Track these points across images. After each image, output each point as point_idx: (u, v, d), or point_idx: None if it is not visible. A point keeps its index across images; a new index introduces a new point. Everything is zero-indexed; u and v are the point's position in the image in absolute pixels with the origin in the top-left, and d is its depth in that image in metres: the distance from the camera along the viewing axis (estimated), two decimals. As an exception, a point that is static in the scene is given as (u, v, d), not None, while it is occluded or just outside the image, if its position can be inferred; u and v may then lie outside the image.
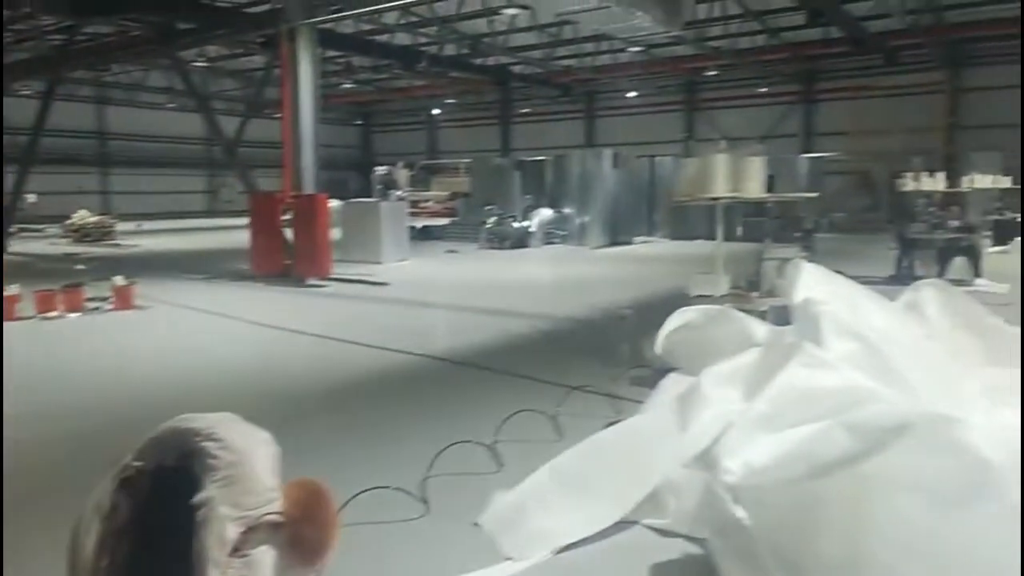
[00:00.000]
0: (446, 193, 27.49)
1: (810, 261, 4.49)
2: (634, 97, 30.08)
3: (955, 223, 11.23)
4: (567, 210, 19.55)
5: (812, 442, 2.50)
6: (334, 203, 13.47)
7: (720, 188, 6.07)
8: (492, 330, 7.97)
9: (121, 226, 21.07)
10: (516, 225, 18.59)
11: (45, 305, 8.53)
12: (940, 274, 10.58)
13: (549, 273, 13.88)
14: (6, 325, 7.52)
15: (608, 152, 20.05)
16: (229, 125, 14.69)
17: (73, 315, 8.61)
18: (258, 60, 22.22)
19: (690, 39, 19.82)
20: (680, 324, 4.84)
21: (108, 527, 1.45)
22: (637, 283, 11.58)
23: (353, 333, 7.71)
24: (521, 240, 18.23)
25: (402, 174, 24.92)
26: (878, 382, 2.78)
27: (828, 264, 4.35)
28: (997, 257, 13.33)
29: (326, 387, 5.84)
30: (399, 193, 21.66)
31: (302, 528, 1.50)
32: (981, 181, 15.11)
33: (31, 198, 22.05)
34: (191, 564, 1.36)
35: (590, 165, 19.45)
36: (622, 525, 3.26)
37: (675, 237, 19.89)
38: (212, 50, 23.22)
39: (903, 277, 10.24)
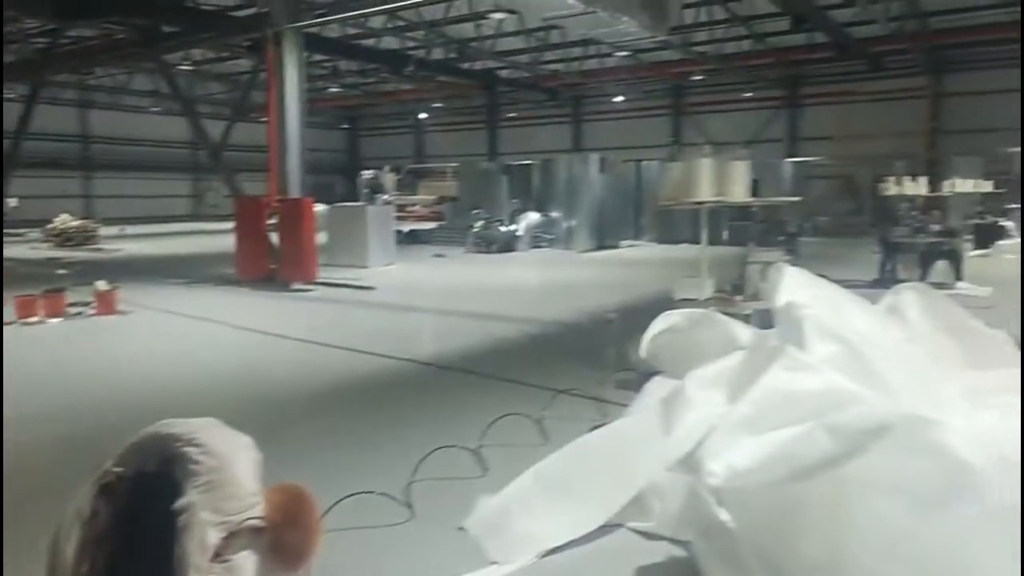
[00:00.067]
0: (433, 197, 27.50)
1: (794, 265, 4.53)
2: (621, 101, 30.23)
3: (937, 227, 11.36)
4: (554, 214, 19.60)
5: (794, 444, 2.52)
6: (320, 207, 13.43)
7: (704, 192, 6.11)
8: (478, 334, 7.97)
9: (104, 230, 20.88)
10: (503, 229, 18.61)
11: (26, 310, 8.43)
12: (922, 277, 10.69)
13: (536, 277, 13.91)
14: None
15: (595, 156, 20.13)
16: (215, 129, 14.65)
17: (55, 320, 8.52)
18: (244, 64, 22.16)
19: (676, 44, 19.98)
20: (665, 328, 4.86)
21: (88, 533, 1.44)
22: (623, 287, 11.61)
23: (338, 338, 7.69)
24: (508, 244, 18.24)
25: (389, 178, 24.88)
26: (860, 384, 2.80)
27: (812, 268, 4.39)
28: (978, 261, 13.50)
29: (310, 392, 5.81)
30: (386, 197, 21.60)
31: (284, 533, 1.49)
32: (962, 185, 15.29)
33: (12, 202, 21.82)
34: (172, 570, 1.35)
35: (577, 169, 19.52)
36: (607, 528, 3.26)
37: (661, 241, 19.97)
38: (197, 53, 23.13)
39: (886, 280, 10.33)
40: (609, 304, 9.40)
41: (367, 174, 25.04)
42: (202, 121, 15.65)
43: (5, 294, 8.67)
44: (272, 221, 12.00)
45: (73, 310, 8.88)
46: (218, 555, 1.38)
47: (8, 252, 17.07)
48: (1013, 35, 19.72)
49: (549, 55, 24.13)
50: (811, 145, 27.15)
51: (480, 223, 18.60)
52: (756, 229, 14.48)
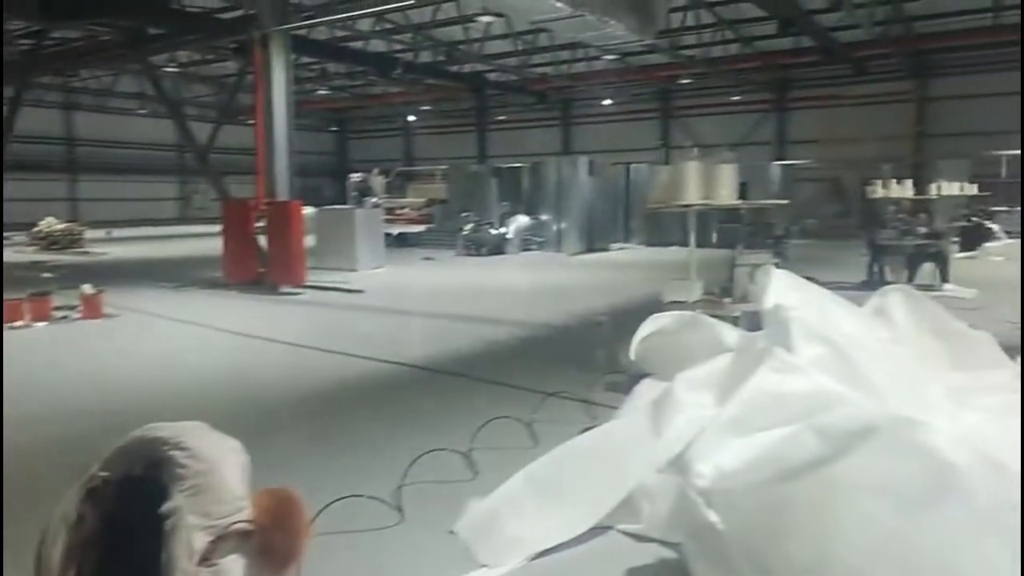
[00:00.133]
0: (422, 200, 27.46)
1: (781, 267, 4.56)
2: (610, 105, 30.34)
3: (923, 230, 11.45)
4: (544, 217, 19.63)
5: (781, 446, 2.54)
6: (308, 210, 13.38)
7: (692, 196, 6.13)
8: (468, 337, 7.96)
9: (90, 233, 20.73)
10: (493, 232, 18.62)
11: (11, 314, 8.35)
12: (909, 279, 10.79)
13: (526, 280, 13.91)
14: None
15: (584, 159, 20.18)
16: (201, 131, 14.55)
17: (40, 324, 8.45)
18: (231, 66, 22.07)
19: (664, 47, 20.07)
20: (653, 330, 4.88)
21: (75, 537, 1.43)
22: (613, 289, 11.64)
23: (327, 341, 7.66)
24: (498, 247, 18.25)
25: (378, 181, 24.85)
26: (846, 386, 2.82)
27: (801, 270, 4.42)
28: (964, 263, 13.63)
29: (299, 395, 5.79)
30: (374, 200, 21.58)
31: (272, 536, 1.49)
32: (948, 188, 15.43)
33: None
34: (159, 574, 1.34)
35: (566, 172, 19.56)
36: (597, 530, 3.26)
37: (651, 243, 20.04)
38: (184, 55, 23.02)
39: (874, 283, 10.41)
40: (599, 307, 9.43)
41: (356, 177, 25.01)
42: (189, 123, 15.55)
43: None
44: (260, 224, 11.95)
45: (59, 314, 8.81)
46: (205, 559, 1.38)
47: (-8, 255, 16.92)
48: (996, 39, 19.98)
49: (537, 58, 24.19)
50: (799, 148, 27.35)
51: (469, 226, 18.60)
52: (744, 232, 14.55)
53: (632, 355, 5.00)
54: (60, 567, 1.41)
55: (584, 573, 3.07)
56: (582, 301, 10.22)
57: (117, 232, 24.09)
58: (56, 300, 8.99)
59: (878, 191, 12.71)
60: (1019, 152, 22.12)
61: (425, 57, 23.55)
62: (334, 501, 3.36)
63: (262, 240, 11.92)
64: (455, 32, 21.09)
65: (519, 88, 27.70)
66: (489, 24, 19.81)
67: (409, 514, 3.49)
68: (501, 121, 35.11)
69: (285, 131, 11.86)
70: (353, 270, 13.88)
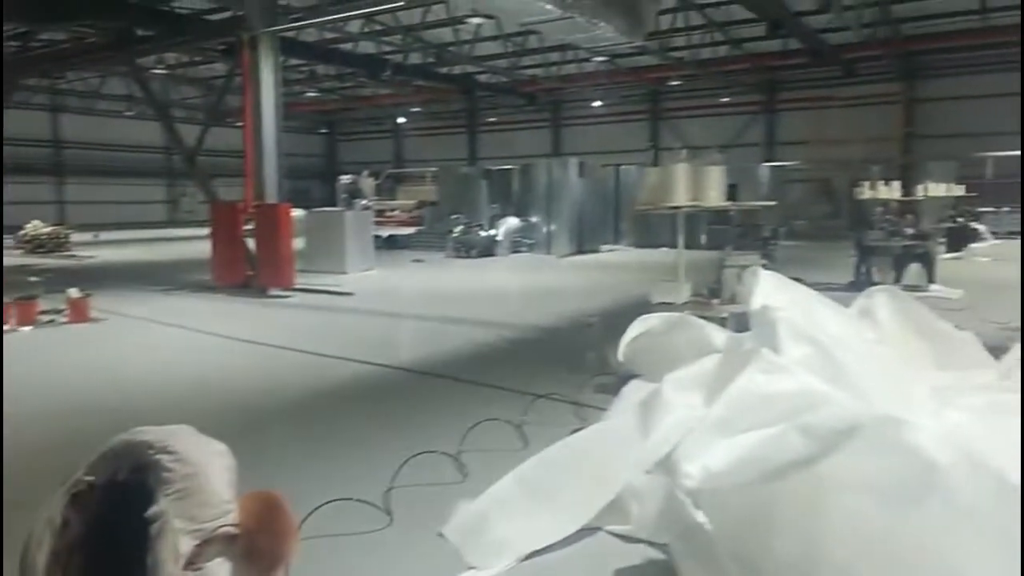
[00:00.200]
0: (412, 202, 27.45)
1: (770, 268, 4.59)
2: (599, 106, 30.41)
3: (910, 231, 11.54)
4: (534, 219, 19.65)
5: (768, 445, 2.56)
6: (297, 212, 13.35)
7: (680, 197, 6.16)
8: (458, 339, 7.96)
9: (77, 237, 20.59)
10: (483, 234, 18.62)
11: (-4, 318, 8.29)
12: (897, 280, 10.87)
13: (516, 282, 13.92)
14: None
15: (574, 161, 20.22)
16: (190, 133, 14.46)
17: (26, 328, 8.39)
18: (219, 68, 21.98)
19: (654, 49, 20.13)
20: (642, 331, 4.90)
21: (59, 543, 1.42)
22: (603, 291, 11.67)
23: (316, 344, 7.64)
24: (488, 249, 18.26)
25: (367, 183, 24.82)
26: (832, 386, 2.85)
27: (789, 271, 4.45)
28: (951, 263, 13.74)
29: (288, 399, 5.77)
30: (364, 202, 21.55)
31: (258, 539, 1.48)
32: (935, 189, 15.57)
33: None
34: (144, 579, 1.34)
35: (556, 174, 19.59)
36: (586, 532, 3.28)
37: (640, 245, 20.09)
38: (171, 57, 22.91)
39: (862, 283, 10.47)
40: (588, 308, 9.45)
41: (345, 179, 24.97)
42: (177, 125, 15.47)
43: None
44: (249, 227, 11.91)
45: (45, 318, 8.75)
46: (191, 563, 1.37)
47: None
48: (984, 41, 20.17)
49: (527, 60, 24.21)
50: (788, 149, 27.50)
51: (460, 228, 18.60)
52: (733, 233, 14.62)
53: (621, 356, 5.02)
54: (45, 572, 1.41)
55: (573, 574, 3.08)
56: (572, 303, 10.24)
57: (104, 235, 23.92)
58: (42, 304, 8.93)
59: (866, 192, 12.82)
60: (1009, 153, 22.37)
61: (415, 59, 23.53)
62: (323, 504, 3.36)
63: (251, 243, 11.87)
64: (445, 34, 21.09)
65: (509, 90, 27.74)
66: (479, 26, 19.82)
67: (398, 517, 3.50)
68: (491, 123, 35.14)
69: (274, 133, 11.83)
70: (343, 272, 13.85)
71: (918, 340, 4.06)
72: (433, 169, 27.46)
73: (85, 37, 16.00)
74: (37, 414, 5.30)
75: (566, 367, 6.31)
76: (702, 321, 4.77)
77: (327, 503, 3.38)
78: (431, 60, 23.61)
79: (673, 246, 7.11)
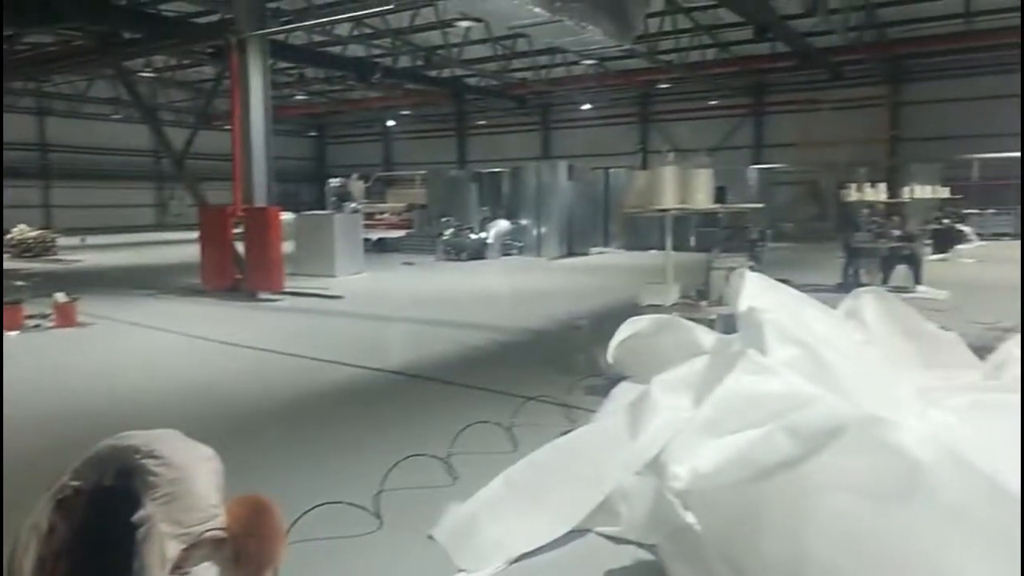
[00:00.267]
0: (402, 205, 27.40)
1: (757, 270, 4.62)
2: (589, 109, 30.48)
3: (897, 232, 11.63)
4: (524, 222, 19.67)
5: (755, 446, 2.58)
6: (287, 216, 13.31)
7: (668, 200, 6.19)
8: (448, 342, 7.96)
9: (63, 241, 20.44)
10: (473, 237, 18.62)
11: (-18, 323, 8.22)
12: (884, 281, 10.95)
13: (506, 284, 13.92)
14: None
15: (563, 164, 20.26)
16: (178, 136, 14.39)
17: (12, 333, 8.31)
18: (207, 71, 21.88)
19: (642, 52, 20.20)
20: (631, 333, 4.92)
21: (46, 548, 1.42)
22: (592, 293, 11.70)
23: (306, 347, 7.62)
24: (478, 252, 18.26)
25: (357, 186, 24.78)
26: (818, 386, 2.87)
27: (778, 273, 4.49)
28: (937, 265, 13.86)
29: (277, 403, 5.75)
30: (354, 205, 21.52)
31: (245, 543, 1.48)
32: (921, 191, 15.71)
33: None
34: (131, 583, 1.34)
35: (546, 177, 19.62)
36: (575, 534, 3.28)
37: (630, 248, 20.15)
38: (159, 60, 22.80)
39: (849, 285, 10.54)
40: (578, 311, 9.47)
41: (335, 182, 24.95)
42: (165, 129, 15.40)
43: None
44: (238, 230, 11.86)
45: (31, 323, 8.68)
46: (178, 567, 1.38)
47: (-37, 263, 16.62)
48: (967, 45, 20.37)
49: (517, 63, 24.25)
50: (776, 152, 27.66)
51: (450, 231, 18.59)
52: (721, 235, 14.69)
53: (610, 358, 5.04)
54: (31, 577, 1.40)
55: (562, 576, 3.09)
56: (561, 305, 10.25)
57: (91, 239, 23.77)
58: (28, 309, 8.86)
59: (853, 194, 12.91)
60: (994, 155, 22.60)
61: (404, 62, 23.51)
62: (312, 508, 3.35)
63: (240, 246, 11.82)
64: (434, 37, 21.09)
65: (498, 93, 27.76)
66: (468, 29, 19.84)
67: (388, 520, 3.49)
68: (481, 126, 35.15)
69: (263, 136, 11.79)
70: (332, 276, 13.82)
71: (904, 341, 4.10)
72: (423, 172, 27.41)
73: (71, 40, 15.91)
74: (22, 419, 5.25)
75: (556, 369, 6.33)
76: (690, 323, 4.80)
77: (317, 507, 3.38)
78: (420, 63, 23.59)
79: (662, 248, 7.14)
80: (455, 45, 21.61)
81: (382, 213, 27.28)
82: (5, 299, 8.77)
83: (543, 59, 23.90)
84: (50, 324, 8.74)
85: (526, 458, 3.65)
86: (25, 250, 18.74)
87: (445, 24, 19.43)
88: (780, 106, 28.12)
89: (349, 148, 40.81)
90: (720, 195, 7.28)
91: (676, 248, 7.36)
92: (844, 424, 2.41)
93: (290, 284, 11.77)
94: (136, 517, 1.37)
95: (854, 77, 24.05)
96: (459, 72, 25.08)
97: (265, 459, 4.28)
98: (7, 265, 15.49)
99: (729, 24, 19.63)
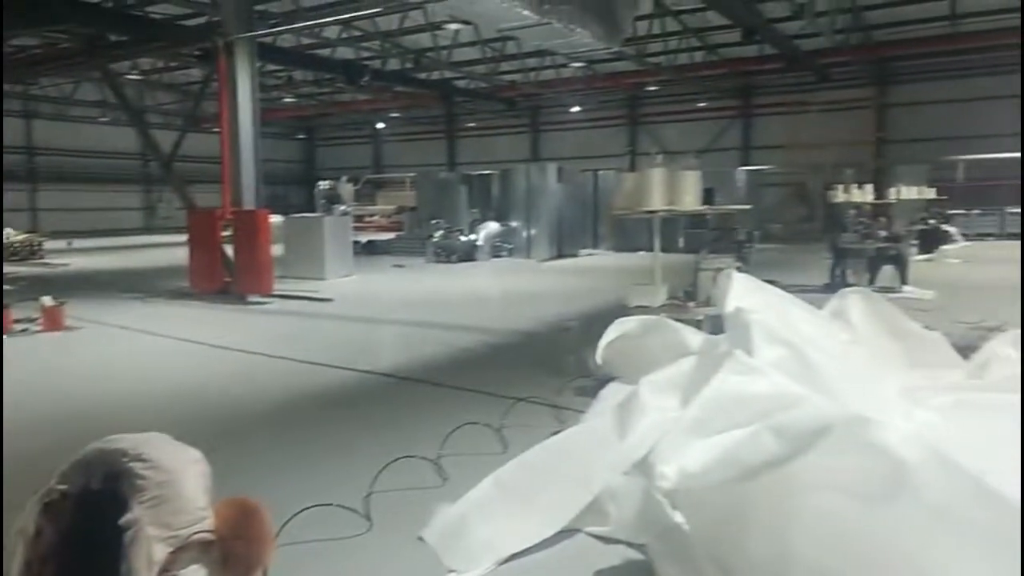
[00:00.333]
0: (392, 207, 27.41)
1: (745, 271, 4.65)
2: (578, 112, 30.55)
3: (883, 233, 11.73)
4: (513, 223, 19.69)
5: (742, 446, 2.60)
6: (276, 218, 13.27)
7: (656, 202, 6.22)
8: (438, 344, 7.96)
9: (50, 244, 20.29)
10: (463, 239, 18.62)
11: (-32, 327, 8.16)
12: (871, 282, 11.03)
13: (496, 286, 13.93)
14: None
15: (553, 166, 20.30)
16: (166, 139, 14.32)
17: (-1, 337, 8.26)
18: (195, 73, 21.80)
19: (631, 55, 20.27)
20: (619, 334, 4.94)
21: (32, 552, 1.42)
22: (582, 295, 11.72)
23: (295, 350, 7.60)
24: (468, 254, 18.25)
25: (346, 188, 24.75)
26: (804, 386, 2.90)
27: (766, 274, 4.53)
28: (923, 265, 13.97)
29: (267, 405, 5.74)
30: (343, 207, 21.48)
31: (233, 546, 1.48)
32: (907, 193, 15.83)
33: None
34: (119, 587, 1.34)
35: (536, 179, 19.65)
36: (565, 534, 3.29)
37: (619, 249, 20.20)
38: (146, 63, 22.69)
39: (837, 285, 10.61)
40: (567, 312, 9.49)
41: (324, 184, 24.89)
42: (152, 131, 15.32)
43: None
44: (226, 233, 11.82)
45: (18, 327, 8.61)
46: (166, 570, 1.38)
47: (-52, 268, 16.46)
48: (952, 47, 20.56)
49: (506, 65, 24.28)
50: (763, 153, 27.80)
51: (440, 233, 18.58)
52: (709, 237, 14.76)
53: (599, 359, 5.06)
54: (18, 582, 1.40)
55: (552, 576, 3.10)
56: (551, 307, 10.27)
57: (79, 243, 23.61)
58: (15, 312, 8.79)
59: (840, 196, 13.00)
60: (978, 156, 22.82)
61: (393, 64, 23.49)
62: (302, 510, 3.34)
63: (229, 249, 11.78)
64: (423, 39, 21.09)
65: (488, 95, 27.78)
66: (457, 32, 19.85)
67: (378, 522, 3.49)
68: (470, 128, 35.15)
69: (251, 139, 11.75)
70: (322, 279, 13.79)
71: (890, 341, 4.14)
72: (412, 174, 27.41)
73: (58, 42, 15.81)
74: (9, 423, 5.21)
75: (545, 371, 6.34)
76: (678, 324, 4.82)
77: (306, 509, 3.37)
78: (409, 65, 23.58)
79: (651, 250, 7.17)
80: (444, 47, 21.62)
81: (372, 215, 27.27)
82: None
83: (532, 61, 23.94)
84: (37, 328, 8.68)
85: (516, 459, 3.66)
86: (12, 254, 18.59)
87: (434, 26, 19.44)
88: (768, 108, 28.28)
89: (338, 150, 40.71)
90: (708, 197, 7.33)
91: (665, 249, 7.40)
92: (829, 424, 2.43)
93: (279, 287, 11.74)
94: (123, 520, 1.37)
95: (841, 79, 24.23)
96: (448, 74, 25.08)
97: (255, 462, 4.27)
98: (-7, 269, 15.37)
99: (717, 27, 19.73)
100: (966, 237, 20.06)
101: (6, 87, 23.05)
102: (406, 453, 4.16)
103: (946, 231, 18.60)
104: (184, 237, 12.79)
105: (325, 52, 21.80)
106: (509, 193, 20.27)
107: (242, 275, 11.49)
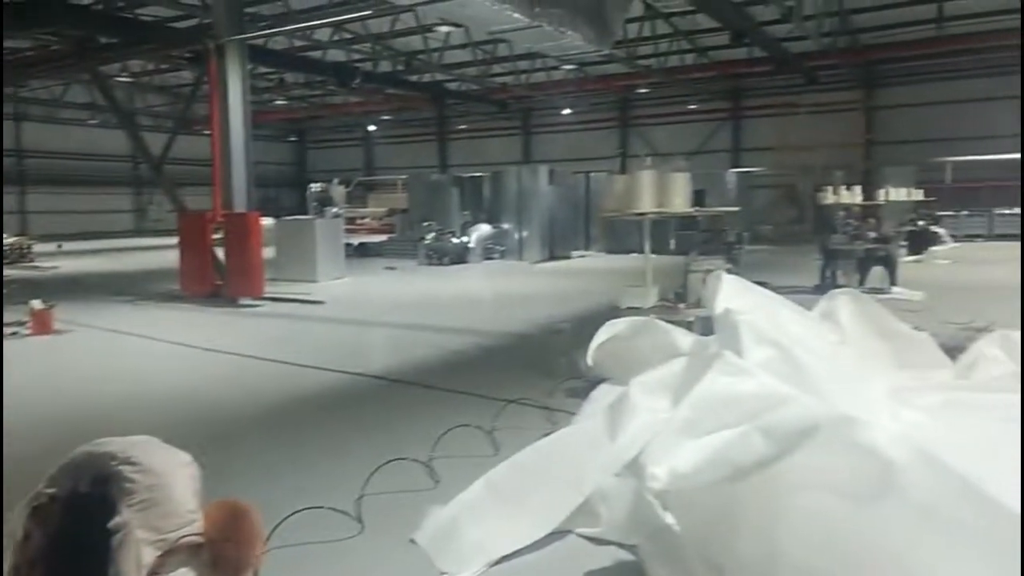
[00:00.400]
0: (383, 210, 27.39)
1: (734, 272, 4.68)
2: (569, 114, 30.61)
3: (872, 234, 11.80)
4: (505, 226, 19.70)
5: (731, 446, 2.62)
6: (267, 221, 13.24)
7: (646, 204, 6.24)
8: (430, 347, 7.96)
9: (40, 247, 20.17)
10: (455, 241, 18.62)
11: (-44, 331, 8.11)
12: (860, 283, 11.10)
13: (488, 288, 13.93)
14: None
15: (544, 168, 20.33)
16: (156, 142, 14.27)
17: (-13, 341, 8.21)
18: (186, 76, 21.74)
19: (621, 57, 20.34)
20: (610, 336, 4.96)
21: (21, 556, 1.42)
22: (573, 296, 11.75)
23: (286, 353, 7.59)
24: (460, 256, 18.26)
25: (338, 191, 24.63)
26: (793, 387, 2.92)
27: (758, 275, 4.55)
28: (912, 266, 14.06)
29: (258, 408, 5.72)
30: (335, 210, 21.40)
31: (223, 548, 1.49)
32: (896, 194, 15.94)
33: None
34: (108, 591, 1.34)
35: (527, 181, 19.68)
36: (556, 535, 3.30)
37: (611, 251, 20.25)
38: (137, 65, 22.61)
39: (827, 286, 10.66)
40: (559, 314, 9.51)
41: (315, 187, 24.77)
42: (143, 134, 15.26)
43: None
44: (217, 236, 11.78)
45: (8, 330, 8.56)
46: (155, 573, 1.38)
47: (-64, 271, 16.34)
48: (938, 50, 20.72)
49: (497, 68, 24.32)
50: (754, 156, 27.94)
51: (431, 235, 18.57)
52: (699, 238, 14.82)
53: (590, 361, 5.07)
54: (7, 586, 1.40)
55: (543, 578, 3.10)
56: (543, 309, 10.29)
57: (68, 245, 23.48)
58: (4, 316, 8.73)
59: (829, 197, 13.08)
60: (967, 157, 22.99)
61: (385, 66, 23.50)
62: (293, 513, 3.34)
63: (220, 252, 11.74)
64: (414, 42, 21.09)
65: (479, 97, 27.81)
66: (448, 34, 19.87)
67: (369, 524, 3.49)
68: (461, 130, 35.17)
69: (242, 141, 11.72)
70: (313, 281, 13.76)
71: (878, 341, 4.17)
72: (404, 176, 27.40)
73: (48, 44, 15.74)
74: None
75: (537, 372, 6.35)
76: (668, 325, 4.84)
77: (297, 512, 3.37)
78: (401, 68, 23.59)
79: (642, 251, 7.19)
80: (435, 50, 21.63)
81: (363, 218, 27.25)
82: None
83: (523, 64, 24.00)
84: (27, 332, 8.63)
85: (507, 461, 3.66)
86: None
87: (425, 29, 19.46)
88: (757, 110, 28.42)
89: (330, 153, 40.65)
90: (700, 198, 7.36)
91: (656, 251, 7.43)
92: (817, 424, 2.45)
93: (271, 289, 11.71)
94: (112, 524, 1.37)
95: (829, 82, 24.38)
96: (440, 77, 25.09)
97: (247, 464, 4.26)
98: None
99: (707, 30, 19.82)
100: (954, 238, 20.21)
101: (-4, 89, 22.92)
102: (398, 455, 4.16)
103: (935, 232, 18.73)
104: (175, 240, 12.74)
105: (316, 54, 21.78)
106: (501, 195, 20.28)
107: (233, 278, 11.45)
